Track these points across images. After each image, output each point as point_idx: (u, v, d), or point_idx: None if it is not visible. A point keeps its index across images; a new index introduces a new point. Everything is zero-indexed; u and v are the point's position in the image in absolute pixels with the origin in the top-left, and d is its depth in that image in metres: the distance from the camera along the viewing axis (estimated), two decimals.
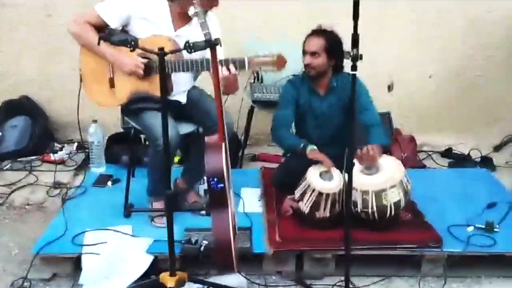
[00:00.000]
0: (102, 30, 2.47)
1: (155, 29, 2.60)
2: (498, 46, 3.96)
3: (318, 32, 2.83)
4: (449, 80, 4.04)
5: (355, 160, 2.60)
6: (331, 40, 2.80)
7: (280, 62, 2.44)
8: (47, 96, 3.90)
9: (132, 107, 2.67)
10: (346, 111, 2.84)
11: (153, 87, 2.57)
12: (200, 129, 2.86)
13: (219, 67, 2.38)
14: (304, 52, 2.84)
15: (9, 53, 3.80)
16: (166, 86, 1.99)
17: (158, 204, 2.72)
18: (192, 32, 2.57)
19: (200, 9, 2.09)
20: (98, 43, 2.03)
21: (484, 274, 2.59)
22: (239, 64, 2.44)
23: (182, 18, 2.66)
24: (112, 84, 2.64)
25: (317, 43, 2.80)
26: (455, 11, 3.87)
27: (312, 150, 2.76)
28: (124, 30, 2.61)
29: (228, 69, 2.42)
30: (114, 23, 2.55)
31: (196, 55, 2.34)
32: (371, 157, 2.64)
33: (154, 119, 2.55)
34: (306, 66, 2.86)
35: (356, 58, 1.98)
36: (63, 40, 3.73)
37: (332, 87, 2.91)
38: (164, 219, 2.65)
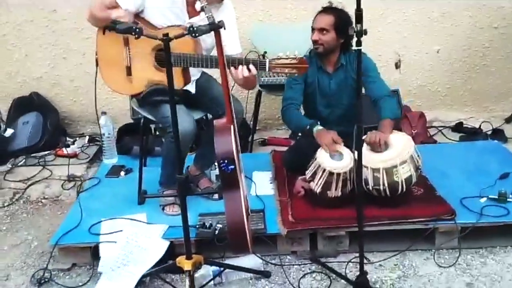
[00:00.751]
0: None
1: (169, 14, 2.60)
2: (505, 18, 3.90)
3: (328, 9, 2.84)
4: (457, 54, 4.01)
5: (364, 137, 2.60)
6: (340, 17, 2.79)
7: (301, 66, 2.38)
8: (57, 92, 3.94)
9: (151, 99, 2.66)
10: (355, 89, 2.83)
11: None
12: (209, 116, 2.88)
13: (240, 67, 2.41)
14: (313, 29, 2.84)
15: (17, 52, 3.84)
16: (172, 73, 1.99)
17: (170, 191, 2.74)
18: (205, 22, 2.58)
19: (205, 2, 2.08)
20: (104, 33, 2.05)
21: (498, 244, 2.60)
22: (260, 65, 2.43)
23: (194, 6, 2.65)
24: (129, 72, 2.63)
25: (326, 20, 2.80)
26: None
27: (318, 131, 2.75)
28: (138, 15, 2.60)
29: (249, 69, 2.42)
30: (129, 5, 2.52)
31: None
32: (380, 144, 2.64)
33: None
34: (314, 42, 2.85)
35: (360, 33, 1.97)
36: (69, 36, 3.79)
37: (341, 64, 2.91)
38: (176, 207, 2.72)
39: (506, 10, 3.89)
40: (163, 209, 2.77)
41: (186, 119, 2.55)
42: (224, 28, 2.08)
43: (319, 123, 2.82)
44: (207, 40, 2.59)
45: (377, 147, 2.66)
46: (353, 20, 1.99)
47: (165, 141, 2.73)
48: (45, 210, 3.13)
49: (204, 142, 2.95)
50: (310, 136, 2.77)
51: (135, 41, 2.50)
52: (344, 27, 2.74)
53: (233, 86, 3.80)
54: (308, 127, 2.78)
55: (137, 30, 1.94)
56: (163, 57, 2.51)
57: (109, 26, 1.99)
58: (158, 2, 2.60)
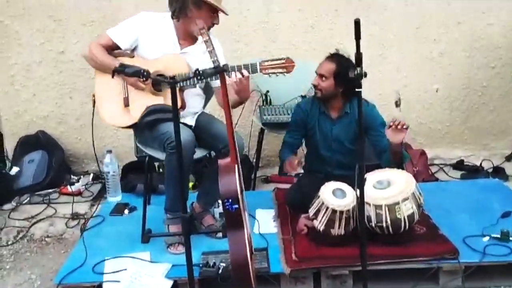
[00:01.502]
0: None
1: (162, 48, 2.74)
2: (501, 58, 4.00)
3: (332, 56, 2.92)
4: (456, 93, 4.08)
5: (366, 176, 2.63)
6: (342, 66, 2.86)
7: (289, 65, 2.54)
8: (62, 131, 4.01)
9: (147, 120, 2.71)
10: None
11: (167, 100, 2.66)
12: (212, 153, 2.92)
13: (233, 73, 2.51)
14: (316, 73, 2.93)
15: (24, 92, 3.92)
16: (177, 109, 2.02)
17: (175, 228, 2.75)
18: (197, 51, 2.72)
19: (208, 37, 2.17)
20: (113, 76, 2.11)
21: (502, 283, 2.59)
22: (252, 68, 2.54)
23: (187, 37, 2.79)
24: (126, 103, 2.72)
25: (327, 67, 2.89)
26: (456, 26, 3.94)
27: (287, 160, 2.90)
28: (132, 51, 2.75)
29: (241, 73, 2.52)
30: (125, 45, 2.72)
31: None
32: (402, 129, 2.69)
33: (169, 126, 2.56)
34: (314, 86, 2.96)
35: (360, 76, 2.03)
36: (75, 76, 3.88)
37: (346, 112, 2.97)
38: (180, 246, 2.73)
39: (502, 51, 3.99)
40: (167, 247, 2.78)
41: (184, 131, 2.56)
42: (229, 71, 2.14)
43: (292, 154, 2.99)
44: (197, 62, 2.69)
45: (399, 135, 2.71)
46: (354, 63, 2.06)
47: (166, 157, 2.71)
48: (49, 249, 3.13)
49: (207, 179, 2.99)
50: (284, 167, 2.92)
51: None
52: (344, 76, 2.82)
53: (236, 123, 3.91)
54: (283, 159, 2.97)
55: (145, 73, 2.01)
56: (159, 81, 2.64)
57: (117, 70, 2.06)
58: (151, 37, 2.74)
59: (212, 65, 2.13)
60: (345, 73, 2.79)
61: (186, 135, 2.59)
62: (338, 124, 3.00)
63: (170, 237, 2.78)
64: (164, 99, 2.70)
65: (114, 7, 3.75)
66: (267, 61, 2.55)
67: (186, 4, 2.68)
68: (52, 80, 3.91)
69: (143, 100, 2.71)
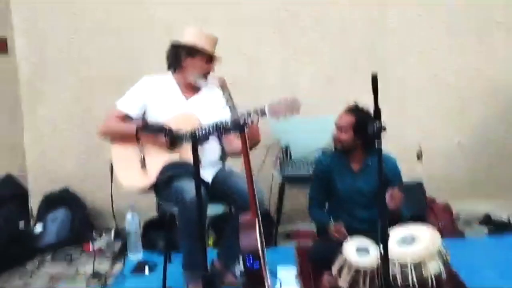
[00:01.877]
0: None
1: (169, 105, 2.82)
2: None
3: (352, 109, 2.96)
4: (478, 145, 4.04)
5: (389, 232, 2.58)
6: (361, 119, 2.89)
7: (296, 106, 2.51)
8: (86, 188, 4.04)
9: (162, 178, 2.74)
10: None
11: (184, 154, 2.71)
12: (232, 209, 2.91)
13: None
14: (336, 125, 2.98)
15: (50, 151, 4.00)
16: (198, 164, 2.03)
17: (195, 286, 2.70)
18: (202, 99, 2.83)
19: (228, 92, 2.21)
20: (136, 135, 2.15)
21: None
22: (260, 112, 2.51)
23: (189, 88, 2.88)
24: (143, 164, 2.76)
25: (346, 120, 2.93)
26: (473, 75, 3.94)
27: (333, 226, 2.90)
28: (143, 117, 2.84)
29: (251, 120, 2.52)
30: (134, 112, 2.82)
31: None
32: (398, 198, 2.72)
33: (183, 182, 2.62)
34: (333, 139, 3.00)
35: (380, 130, 2.04)
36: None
37: (367, 165, 2.97)
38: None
39: None
40: None
41: (192, 186, 2.47)
42: (247, 127, 2.17)
43: (331, 220, 2.97)
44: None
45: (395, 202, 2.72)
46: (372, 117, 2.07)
47: (178, 214, 2.71)
48: None
49: (228, 236, 2.95)
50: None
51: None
52: (362, 129, 2.83)
53: (255, 178, 3.89)
54: (321, 221, 3.00)
55: (167, 130, 2.05)
56: (175, 139, 2.65)
57: (140, 129, 2.10)
58: (157, 98, 2.83)
59: (229, 116, 2.15)
60: (364, 125, 2.80)
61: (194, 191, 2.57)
62: (360, 177, 2.99)
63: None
64: (180, 154, 2.74)
65: (140, 65, 3.81)
66: (274, 104, 2.52)
67: (179, 53, 2.80)
68: (78, 139, 3.98)
69: (159, 159, 2.75)
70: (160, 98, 2.85)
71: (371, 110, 2.85)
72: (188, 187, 2.55)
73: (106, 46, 3.89)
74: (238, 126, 2.14)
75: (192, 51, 2.80)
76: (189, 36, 2.83)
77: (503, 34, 3.88)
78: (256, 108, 2.55)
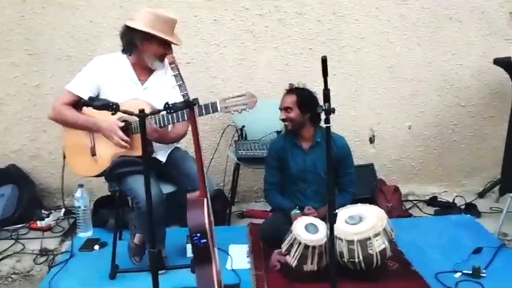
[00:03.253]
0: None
1: (124, 89, 2.75)
2: (472, 97, 4.11)
3: (291, 90, 3.07)
4: (428, 131, 4.16)
5: (337, 211, 2.63)
6: (302, 95, 3.01)
7: (251, 100, 2.53)
8: (35, 165, 3.94)
9: (115, 173, 2.73)
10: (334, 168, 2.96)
11: (132, 148, 2.67)
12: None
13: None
14: (280, 109, 3.05)
15: None
16: (146, 146, 2.04)
17: (138, 239, 2.81)
18: (157, 81, 2.80)
19: (178, 71, 2.19)
20: (81, 108, 2.11)
21: None
22: (212, 108, 2.54)
23: (144, 70, 2.82)
24: (93, 152, 2.75)
25: (289, 99, 3.02)
26: (429, 67, 4.05)
27: (295, 215, 2.92)
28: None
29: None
30: (88, 95, 2.67)
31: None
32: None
33: (136, 182, 2.62)
34: (282, 121, 3.07)
35: (328, 111, 2.07)
36: (50, 110, 3.84)
37: (317, 142, 3.03)
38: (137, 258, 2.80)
39: (472, 90, 4.10)
40: (131, 254, 2.83)
41: (152, 188, 2.54)
42: (199, 105, 2.16)
43: (297, 207, 2.99)
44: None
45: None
46: (321, 99, 2.09)
47: (135, 212, 2.75)
48: (15, 286, 3.03)
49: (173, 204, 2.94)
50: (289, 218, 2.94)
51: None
52: (306, 103, 2.97)
53: (210, 161, 3.90)
54: (288, 209, 2.99)
55: (114, 106, 2.01)
56: (124, 128, 2.66)
57: (86, 103, 2.06)
58: (110, 80, 2.77)
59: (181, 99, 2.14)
60: (307, 100, 2.97)
61: (154, 192, 2.47)
62: (311, 154, 3.06)
63: (135, 247, 2.81)
64: (130, 147, 2.69)
65: (91, 43, 3.78)
66: (228, 98, 2.54)
67: (134, 37, 2.72)
68: (26, 114, 3.87)
69: (108, 149, 2.72)
70: (114, 81, 2.76)
71: (307, 88, 3.02)
72: (141, 191, 2.45)
73: (58, 22, 3.76)
74: (188, 103, 2.12)
75: (148, 35, 2.69)
76: (145, 21, 2.68)
77: (455, 28, 3.99)
78: (208, 103, 2.54)
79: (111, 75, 2.77)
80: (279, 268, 2.80)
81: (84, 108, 2.64)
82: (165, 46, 2.73)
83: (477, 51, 4.04)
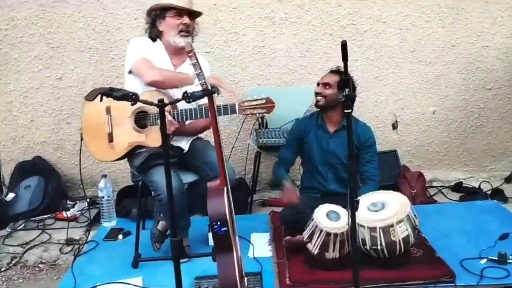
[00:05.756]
0: None
1: None
2: (498, 80, 4.00)
3: (336, 70, 3.04)
4: (453, 115, 4.08)
5: (359, 198, 2.61)
6: (345, 78, 2.89)
7: (269, 106, 2.54)
8: (59, 156, 4.01)
9: (144, 166, 2.75)
10: (355, 155, 2.95)
11: (149, 139, 2.70)
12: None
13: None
14: (318, 84, 3.04)
15: (22, 118, 3.94)
16: (167, 141, 2.05)
17: (162, 225, 2.85)
18: (191, 69, 2.71)
19: (196, 60, 2.18)
20: (101, 99, 2.12)
21: None
22: (230, 109, 2.54)
23: (178, 53, 2.81)
24: (110, 138, 2.76)
25: (332, 77, 3.00)
26: (453, 49, 3.95)
27: (285, 188, 2.93)
28: None
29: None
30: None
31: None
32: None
33: (157, 174, 2.65)
34: (316, 94, 3.03)
35: (349, 97, 2.03)
36: (73, 102, 3.91)
37: (343, 126, 3.01)
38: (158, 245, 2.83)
39: (499, 72, 3.99)
40: (153, 240, 2.87)
41: (173, 180, 2.56)
42: (218, 94, 2.15)
43: (289, 179, 3.01)
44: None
45: None
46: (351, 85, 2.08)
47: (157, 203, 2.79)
48: (42, 275, 3.09)
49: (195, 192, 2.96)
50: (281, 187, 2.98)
51: (116, 108, 2.65)
52: (346, 86, 2.83)
53: (231, 150, 3.91)
54: (279, 178, 3.02)
55: (133, 96, 2.01)
56: (142, 119, 2.67)
57: (106, 93, 2.06)
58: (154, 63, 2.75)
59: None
60: (348, 84, 2.82)
61: (174, 185, 2.51)
62: (335, 138, 3.04)
63: (157, 233, 2.84)
64: (145, 136, 2.72)
65: (111, 34, 3.80)
66: (247, 101, 2.55)
67: (153, 20, 2.75)
68: (50, 106, 3.93)
69: (125, 137, 2.74)
70: (154, 61, 2.76)
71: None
72: (162, 183, 2.55)
73: (78, 15, 3.79)
74: (207, 91, 2.11)
75: (162, 11, 2.72)
76: (159, 0, 2.75)
77: (481, 8, 3.87)
78: (227, 105, 2.55)
79: (152, 56, 2.77)
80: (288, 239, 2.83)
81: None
82: (181, 18, 2.72)
83: (503, 31, 3.92)
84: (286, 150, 3.17)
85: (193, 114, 2.64)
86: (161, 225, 2.91)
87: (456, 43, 3.94)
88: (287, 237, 2.87)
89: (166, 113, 2.56)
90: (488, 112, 4.07)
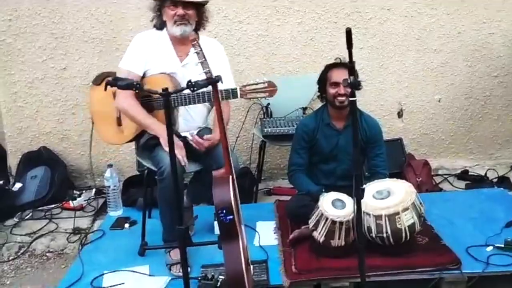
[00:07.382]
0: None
1: (165, 65, 2.76)
2: (504, 67, 3.98)
3: (344, 63, 2.86)
4: (458, 103, 4.06)
5: (364, 186, 2.60)
6: (350, 65, 2.81)
7: (271, 89, 2.50)
8: (65, 146, 4.03)
9: (148, 143, 2.77)
10: (362, 149, 2.94)
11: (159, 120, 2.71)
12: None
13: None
14: (334, 83, 2.88)
15: (27, 108, 3.95)
16: (171, 126, 2.04)
17: (176, 254, 2.65)
18: (196, 59, 2.70)
19: (200, 49, 2.18)
20: (105, 89, 2.13)
21: None
22: (232, 93, 2.52)
23: (182, 46, 2.79)
24: (119, 122, 2.80)
25: (345, 72, 2.75)
26: (459, 37, 3.92)
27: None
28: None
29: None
30: (141, 71, 2.73)
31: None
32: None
33: (161, 150, 2.65)
34: (340, 95, 2.87)
35: (354, 85, 2.02)
36: (78, 92, 3.91)
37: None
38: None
39: (505, 59, 3.96)
40: (169, 269, 2.72)
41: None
42: (222, 82, 2.15)
43: (323, 190, 2.85)
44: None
45: None
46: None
47: (158, 186, 2.75)
48: (50, 264, 3.13)
49: (199, 181, 3.00)
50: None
51: None
52: (351, 75, 2.78)
53: (236, 139, 3.91)
54: (314, 194, 2.86)
55: (138, 85, 2.02)
56: (149, 102, 2.68)
57: (110, 83, 2.07)
58: (155, 57, 2.76)
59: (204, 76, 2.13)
60: (352, 74, 2.75)
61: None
62: (344, 135, 2.99)
63: (171, 258, 2.75)
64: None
65: (115, 24, 3.80)
66: (248, 85, 2.52)
67: (157, 10, 2.74)
68: (55, 97, 3.94)
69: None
70: (157, 56, 2.76)
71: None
72: (165, 157, 2.55)
73: (82, 5, 3.78)
74: (211, 79, 2.11)
75: (161, 1, 2.71)
76: None
77: None
78: (228, 89, 2.52)
79: (155, 51, 2.76)
80: (294, 237, 2.82)
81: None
82: (174, 7, 2.68)
83: (509, 18, 3.89)
84: (298, 157, 3.04)
85: (192, 99, 2.62)
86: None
87: (462, 30, 3.91)
88: (291, 236, 2.84)
89: (191, 137, 2.65)
90: (494, 100, 4.05)
